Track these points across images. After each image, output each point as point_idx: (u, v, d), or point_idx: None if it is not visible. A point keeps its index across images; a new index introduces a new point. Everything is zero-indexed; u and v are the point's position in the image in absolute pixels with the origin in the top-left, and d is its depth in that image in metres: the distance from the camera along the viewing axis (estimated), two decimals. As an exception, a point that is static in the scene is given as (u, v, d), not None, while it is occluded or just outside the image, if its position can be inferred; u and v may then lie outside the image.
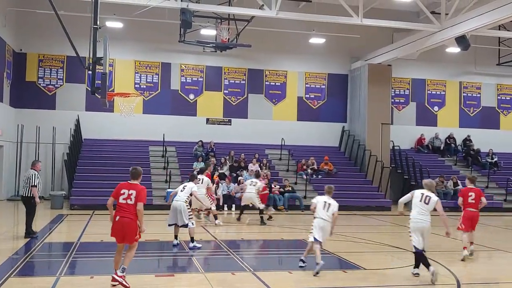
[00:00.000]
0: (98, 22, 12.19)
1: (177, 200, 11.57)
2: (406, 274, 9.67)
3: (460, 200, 11.56)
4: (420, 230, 9.16)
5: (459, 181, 23.14)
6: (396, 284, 8.94)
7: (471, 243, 11.31)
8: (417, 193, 9.48)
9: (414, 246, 9.11)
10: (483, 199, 11.34)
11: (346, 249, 11.84)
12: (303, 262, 9.69)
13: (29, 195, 12.22)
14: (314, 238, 9.66)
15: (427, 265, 8.89)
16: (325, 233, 9.89)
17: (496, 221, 19.27)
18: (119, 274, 7.69)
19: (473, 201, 11.26)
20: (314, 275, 9.00)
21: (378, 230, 15.98)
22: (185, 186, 11.99)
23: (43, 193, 21.63)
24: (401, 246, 12.41)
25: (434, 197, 9.32)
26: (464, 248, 11.03)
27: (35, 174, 12.30)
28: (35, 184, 12.15)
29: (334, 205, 9.97)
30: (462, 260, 10.78)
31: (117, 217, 7.60)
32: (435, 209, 9.28)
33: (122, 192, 7.65)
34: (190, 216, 11.54)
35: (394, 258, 11.37)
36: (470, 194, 11.35)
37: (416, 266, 9.22)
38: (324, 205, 9.94)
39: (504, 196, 23.28)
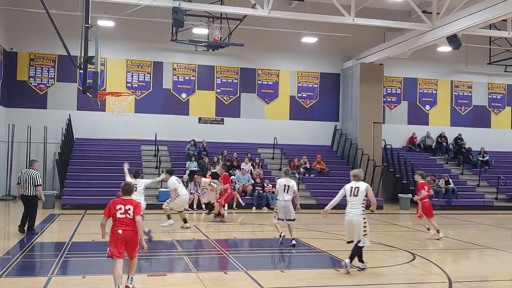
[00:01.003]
0: (89, 21, 12.13)
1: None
2: (398, 272, 9.71)
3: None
4: (347, 222, 9.60)
5: (450, 180, 23.28)
6: (388, 282, 8.98)
7: (428, 228, 13.79)
8: (347, 187, 9.79)
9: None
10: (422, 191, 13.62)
11: (338, 248, 11.85)
12: (280, 237, 11.71)
13: (32, 194, 12.57)
14: (279, 219, 11.60)
15: (352, 257, 9.21)
16: (288, 212, 11.53)
17: (487, 219, 19.39)
18: (129, 284, 7.60)
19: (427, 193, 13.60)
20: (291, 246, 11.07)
21: (370, 229, 15.99)
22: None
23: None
24: (393, 245, 12.46)
25: (363, 187, 9.56)
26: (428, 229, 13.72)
27: (38, 173, 12.74)
28: (40, 183, 12.65)
29: (293, 184, 11.68)
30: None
31: (120, 231, 7.45)
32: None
33: (118, 207, 7.53)
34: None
35: (386, 256, 11.41)
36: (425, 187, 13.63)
37: (355, 259, 9.41)
38: (284, 188, 11.53)
39: (495, 195, 23.42)
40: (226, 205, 17.39)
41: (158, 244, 11.75)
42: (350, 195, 9.60)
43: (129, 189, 7.83)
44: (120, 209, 7.51)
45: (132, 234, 7.50)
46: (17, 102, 22.93)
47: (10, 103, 22.78)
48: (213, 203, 16.90)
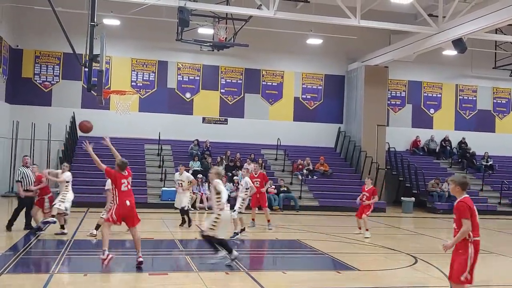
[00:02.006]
0: (95, 19, 12.16)
1: None
2: (400, 275, 9.68)
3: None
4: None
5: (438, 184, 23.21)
6: (390, 286, 8.95)
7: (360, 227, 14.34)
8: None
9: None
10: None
11: (340, 250, 11.84)
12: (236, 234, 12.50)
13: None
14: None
15: (215, 249, 9.61)
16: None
17: (490, 224, 19.31)
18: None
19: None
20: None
21: (372, 232, 15.97)
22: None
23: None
24: (395, 248, 12.43)
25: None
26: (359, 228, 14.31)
27: (19, 169, 13.00)
28: (19, 179, 12.78)
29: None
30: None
31: (127, 202, 8.93)
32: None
33: (122, 181, 9.05)
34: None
35: (388, 259, 11.38)
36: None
37: (228, 251, 9.57)
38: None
39: (499, 199, 23.35)
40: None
41: (160, 243, 11.75)
42: None
43: (126, 164, 9.67)
44: (123, 183, 9.07)
45: (134, 204, 9.00)
46: (21, 99, 22.99)
47: (15, 100, 22.84)
48: (186, 208, 14.48)
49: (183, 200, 14.41)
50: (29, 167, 13.15)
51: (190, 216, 14.87)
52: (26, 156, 13.79)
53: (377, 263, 10.94)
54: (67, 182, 12.92)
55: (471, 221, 6.43)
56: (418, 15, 22.99)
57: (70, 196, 12.83)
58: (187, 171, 20.96)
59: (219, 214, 9.27)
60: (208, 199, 20.10)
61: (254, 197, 14.42)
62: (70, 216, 13.18)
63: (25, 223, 12.99)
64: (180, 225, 14.55)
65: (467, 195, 6.51)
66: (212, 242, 9.49)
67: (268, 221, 14.74)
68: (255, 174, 14.89)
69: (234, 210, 12.55)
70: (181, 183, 14.53)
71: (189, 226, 14.39)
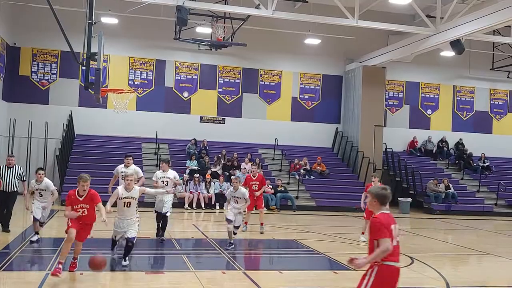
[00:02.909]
0: (93, 18, 12.15)
1: None
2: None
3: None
4: None
5: (450, 185, 23.26)
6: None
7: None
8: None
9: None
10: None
11: (337, 250, 11.85)
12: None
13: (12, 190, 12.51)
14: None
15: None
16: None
17: (487, 225, 19.37)
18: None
19: None
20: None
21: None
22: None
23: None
24: (391, 248, 12.41)
25: None
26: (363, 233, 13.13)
27: None
28: None
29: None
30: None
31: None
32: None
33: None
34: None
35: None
36: None
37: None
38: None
39: (495, 200, 23.39)
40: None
41: (156, 243, 11.73)
42: None
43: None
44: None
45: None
46: (19, 97, 22.93)
47: (12, 97, 22.78)
48: (168, 214, 11.87)
49: (168, 203, 11.65)
50: (11, 167, 12.46)
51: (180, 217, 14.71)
52: (12, 156, 12.90)
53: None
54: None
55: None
56: (416, 16, 23.01)
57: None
58: (192, 171, 21.08)
59: None
60: (204, 198, 20.12)
61: (251, 198, 13.16)
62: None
63: (2, 224, 12.47)
64: (157, 236, 11.94)
65: (386, 211, 5.18)
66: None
67: (261, 224, 14.08)
68: (253, 176, 14.37)
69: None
70: (166, 182, 11.83)
71: (163, 235, 11.92)
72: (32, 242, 11.06)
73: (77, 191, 8.49)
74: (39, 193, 11.29)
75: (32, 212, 11.21)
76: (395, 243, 5.10)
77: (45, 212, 11.46)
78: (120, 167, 12.36)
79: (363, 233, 13.17)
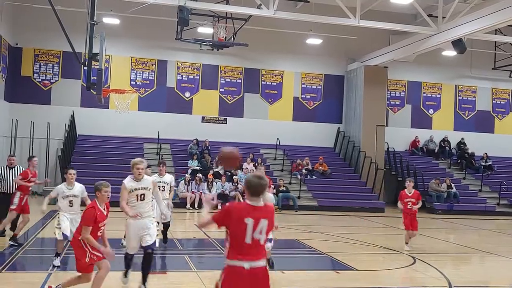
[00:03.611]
0: (95, 18, 12.17)
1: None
2: (399, 275, 9.69)
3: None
4: None
5: (452, 184, 23.24)
6: (388, 286, 8.95)
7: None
8: None
9: None
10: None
11: (339, 250, 11.85)
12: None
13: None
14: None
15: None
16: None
17: (489, 225, 19.35)
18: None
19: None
20: None
21: (371, 232, 16.00)
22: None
23: (35, 188, 21.59)
24: (394, 248, 12.43)
25: None
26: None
27: None
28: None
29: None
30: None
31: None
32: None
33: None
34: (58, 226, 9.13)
35: (386, 259, 11.38)
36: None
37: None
38: None
39: (497, 200, 23.36)
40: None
41: (160, 242, 11.73)
42: None
43: None
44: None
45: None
46: (20, 98, 22.96)
47: (14, 98, 22.82)
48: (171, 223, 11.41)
49: (168, 212, 10.57)
50: (13, 167, 11.77)
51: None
52: (13, 156, 12.24)
53: (376, 263, 10.94)
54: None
55: (230, 233, 4.48)
56: (418, 15, 22.98)
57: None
58: (194, 171, 21.03)
59: None
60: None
61: None
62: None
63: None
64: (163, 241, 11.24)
65: (253, 203, 4.47)
66: None
67: None
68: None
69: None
70: (163, 187, 10.83)
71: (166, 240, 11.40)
72: (54, 267, 8.83)
73: (98, 202, 6.84)
74: (70, 201, 9.05)
75: (58, 226, 9.07)
76: (248, 241, 4.38)
77: (73, 226, 8.70)
78: (155, 176, 10.68)
79: (407, 242, 12.12)
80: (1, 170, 11.75)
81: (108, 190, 6.93)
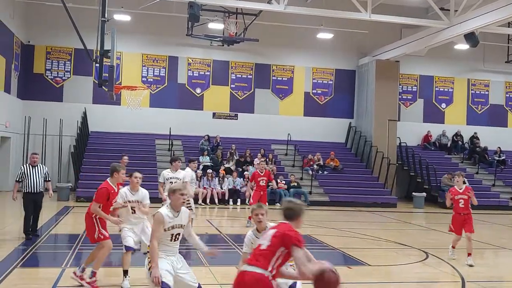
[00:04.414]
0: (106, 15, 12.20)
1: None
2: (411, 270, 9.65)
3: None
4: None
5: (465, 179, 23.00)
6: (401, 281, 8.92)
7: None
8: None
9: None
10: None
11: (351, 245, 11.82)
12: None
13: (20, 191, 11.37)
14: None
15: None
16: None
17: (502, 219, 19.20)
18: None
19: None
20: None
21: (383, 227, 15.94)
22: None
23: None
24: (406, 243, 12.38)
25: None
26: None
27: (20, 168, 11.51)
28: (16, 179, 11.38)
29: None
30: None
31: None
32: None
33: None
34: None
35: (399, 254, 11.34)
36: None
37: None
38: None
39: (511, 195, 23.17)
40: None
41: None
42: None
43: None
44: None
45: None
46: (33, 95, 23.14)
47: (27, 95, 23.00)
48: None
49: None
50: (35, 166, 11.31)
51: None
52: (36, 154, 11.74)
53: (388, 258, 10.91)
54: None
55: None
56: (430, 9, 22.80)
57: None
58: (205, 167, 21.01)
59: None
60: (218, 194, 20.13)
61: (257, 194, 13.94)
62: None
63: (31, 228, 11.33)
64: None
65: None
66: None
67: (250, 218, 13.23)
68: (261, 172, 14.34)
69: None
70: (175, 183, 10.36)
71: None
72: None
73: (111, 182, 7.69)
74: (132, 208, 7.78)
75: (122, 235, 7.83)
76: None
77: (145, 235, 7.67)
78: (168, 172, 11.05)
79: (453, 246, 10.69)
80: (24, 169, 11.27)
81: (125, 173, 7.66)
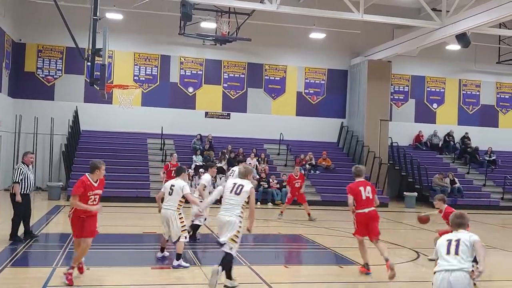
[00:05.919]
0: (98, 13, 12.14)
1: (166, 208, 9.17)
2: (402, 269, 9.67)
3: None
4: (221, 223, 7.90)
5: (456, 179, 23.20)
6: (392, 280, 8.94)
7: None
8: (229, 184, 8.02)
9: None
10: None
11: (343, 245, 11.84)
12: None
13: (12, 192, 10.86)
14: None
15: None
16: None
17: (493, 219, 19.31)
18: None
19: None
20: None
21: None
22: (173, 186, 9.25)
23: (39, 183, 21.68)
24: (397, 242, 12.43)
25: (248, 186, 7.84)
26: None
27: (19, 168, 10.87)
28: (17, 180, 10.72)
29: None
30: None
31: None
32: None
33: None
34: (183, 228, 9.18)
35: (390, 254, 11.35)
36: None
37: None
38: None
39: (501, 195, 23.31)
40: None
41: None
42: (231, 192, 7.84)
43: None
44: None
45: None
46: (24, 93, 23.00)
47: (18, 94, 22.86)
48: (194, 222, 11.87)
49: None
50: (29, 166, 11.07)
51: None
52: (32, 153, 11.46)
53: (380, 257, 10.91)
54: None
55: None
56: (422, 9, 22.89)
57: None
58: (197, 166, 20.95)
59: None
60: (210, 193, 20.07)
61: (294, 195, 16.78)
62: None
63: (25, 231, 11.09)
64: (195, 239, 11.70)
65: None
66: None
67: (309, 214, 16.46)
68: (296, 175, 16.81)
69: None
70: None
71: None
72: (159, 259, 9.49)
73: (90, 177, 8.01)
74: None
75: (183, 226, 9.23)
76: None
77: (173, 228, 9.02)
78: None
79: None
80: (22, 169, 10.80)
81: (104, 169, 8.20)
